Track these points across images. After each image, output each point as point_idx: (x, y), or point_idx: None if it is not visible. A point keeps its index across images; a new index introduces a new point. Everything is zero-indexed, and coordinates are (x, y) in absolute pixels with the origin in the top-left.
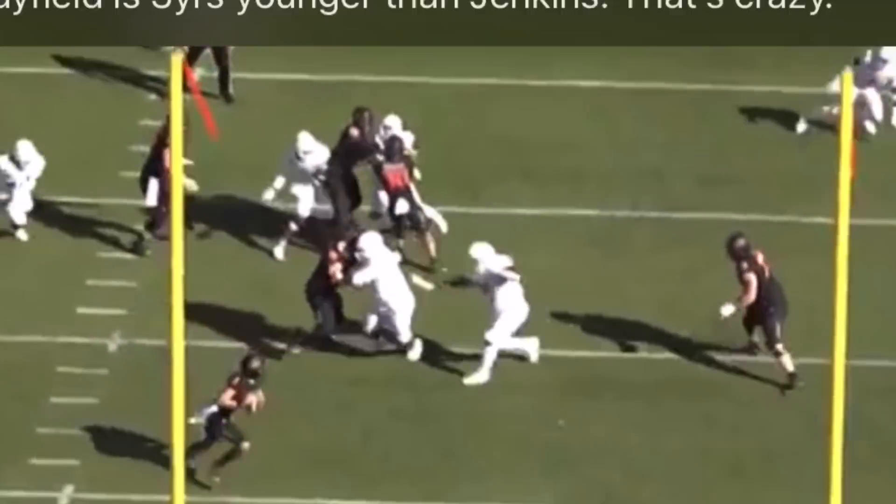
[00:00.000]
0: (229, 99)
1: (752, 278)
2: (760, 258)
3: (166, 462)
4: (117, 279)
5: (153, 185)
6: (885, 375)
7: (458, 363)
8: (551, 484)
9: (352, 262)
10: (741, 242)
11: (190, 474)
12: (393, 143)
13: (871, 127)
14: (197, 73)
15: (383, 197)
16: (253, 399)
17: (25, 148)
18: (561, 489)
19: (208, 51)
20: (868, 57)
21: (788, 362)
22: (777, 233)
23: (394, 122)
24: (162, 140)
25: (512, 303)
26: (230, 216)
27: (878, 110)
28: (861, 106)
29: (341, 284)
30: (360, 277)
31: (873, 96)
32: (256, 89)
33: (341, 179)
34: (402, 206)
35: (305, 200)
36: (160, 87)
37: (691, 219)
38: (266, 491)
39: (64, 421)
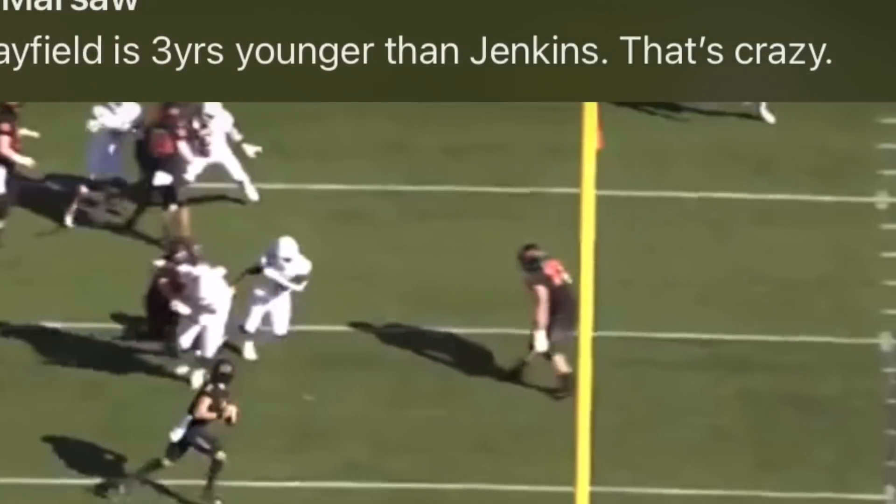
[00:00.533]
0: None
1: (542, 290)
2: (549, 268)
3: None
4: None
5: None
6: (629, 347)
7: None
8: (297, 459)
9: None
10: (531, 253)
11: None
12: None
13: (767, 116)
14: None
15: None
16: (233, 411)
17: None
18: (307, 464)
19: None
20: None
21: (562, 363)
22: (521, 204)
23: (212, 105)
24: None
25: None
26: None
27: None
28: None
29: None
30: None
31: None
32: None
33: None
34: (161, 178)
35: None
36: None
37: (436, 191)
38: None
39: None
